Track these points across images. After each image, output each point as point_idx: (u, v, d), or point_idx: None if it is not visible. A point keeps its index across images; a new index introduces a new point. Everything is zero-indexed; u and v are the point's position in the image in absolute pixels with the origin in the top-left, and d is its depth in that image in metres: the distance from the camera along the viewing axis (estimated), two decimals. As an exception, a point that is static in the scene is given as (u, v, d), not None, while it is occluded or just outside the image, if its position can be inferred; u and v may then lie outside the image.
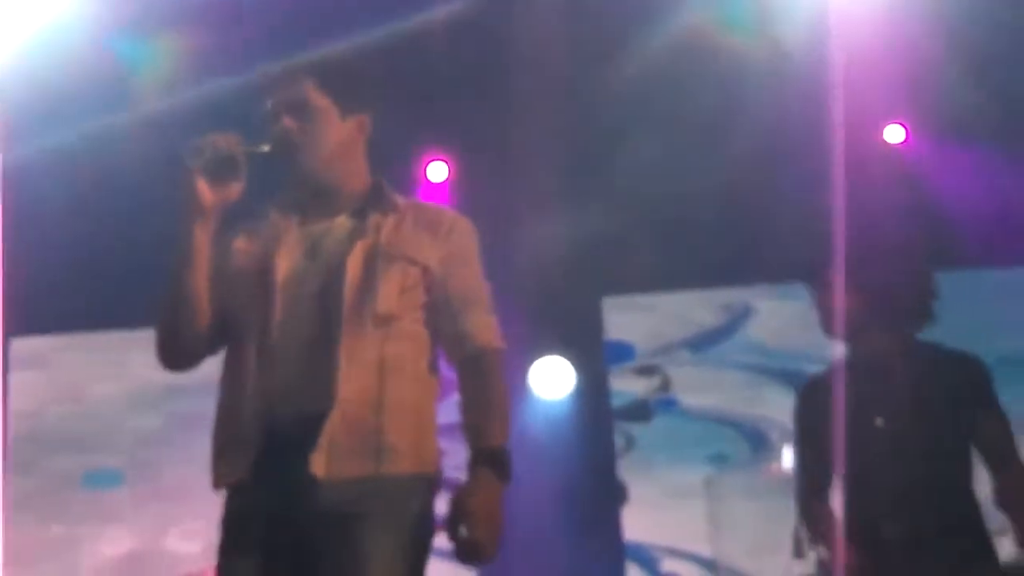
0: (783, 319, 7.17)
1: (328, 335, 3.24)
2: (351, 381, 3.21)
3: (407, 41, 6.20)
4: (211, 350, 3.40)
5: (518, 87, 6.68)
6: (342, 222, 3.40)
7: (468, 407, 3.32)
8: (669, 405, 7.34)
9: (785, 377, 6.99)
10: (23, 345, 7.45)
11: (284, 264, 3.32)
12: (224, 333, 3.37)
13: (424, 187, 7.20)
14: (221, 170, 3.29)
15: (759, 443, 7.14)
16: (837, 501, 4.17)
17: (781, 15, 6.03)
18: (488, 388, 3.32)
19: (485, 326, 3.38)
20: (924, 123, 7.06)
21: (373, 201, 3.43)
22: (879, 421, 4.08)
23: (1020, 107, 6.68)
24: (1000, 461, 4.15)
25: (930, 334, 4.22)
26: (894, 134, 7.15)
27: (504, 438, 3.27)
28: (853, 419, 4.03)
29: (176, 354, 3.40)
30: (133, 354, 7.29)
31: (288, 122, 3.37)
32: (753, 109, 6.35)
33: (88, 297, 7.07)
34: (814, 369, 4.44)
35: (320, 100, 3.39)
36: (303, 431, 3.18)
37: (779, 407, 6.97)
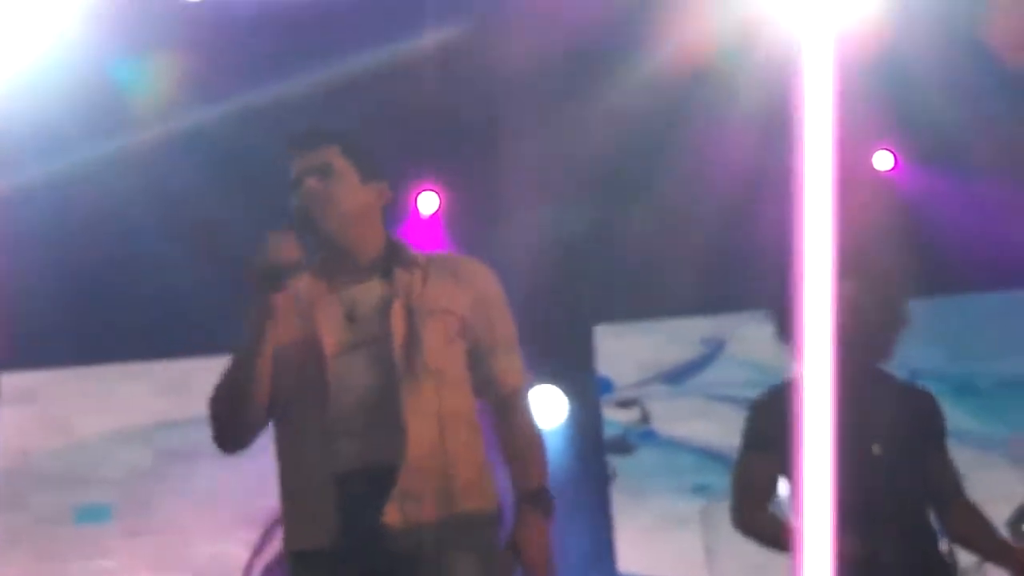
0: (767, 347, 7.18)
1: (388, 396, 3.41)
2: (417, 436, 3.40)
3: (396, 71, 6.22)
4: (265, 425, 3.57)
5: (507, 118, 6.70)
6: (373, 284, 3.54)
7: (506, 449, 3.56)
8: (650, 436, 7.33)
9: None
10: (10, 380, 7.41)
11: (329, 337, 3.47)
12: (273, 407, 3.53)
13: (414, 218, 7.20)
14: (285, 274, 3.44)
15: None
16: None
17: (768, 42, 6.04)
18: (522, 429, 3.58)
19: (513, 368, 3.63)
20: (913, 149, 7.07)
21: (394, 258, 3.58)
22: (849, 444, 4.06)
23: (1005, 131, 6.70)
24: (951, 495, 4.20)
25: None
26: (883, 161, 7.16)
27: (543, 477, 3.53)
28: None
29: (238, 438, 3.56)
30: (122, 387, 7.28)
31: (312, 183, 3.52)
32: (741, 135, 6.36)
33: (76, 330, 7.05)
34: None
35: (342, 164, 3.55)
36: (375, 488, 3.37)
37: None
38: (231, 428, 3.53)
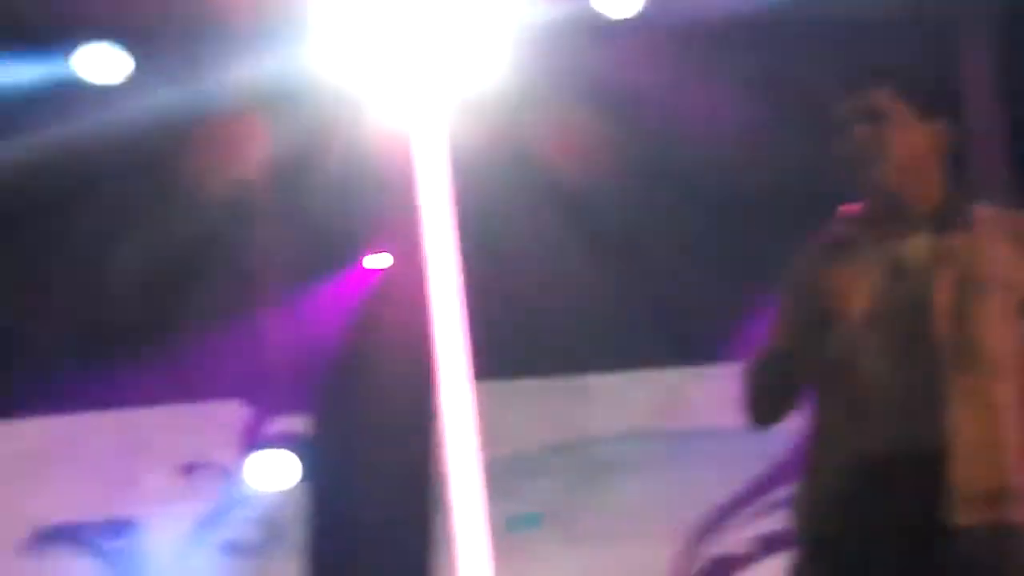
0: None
1: (927, 374, 3.10)
2: (967, 425, 3.07)
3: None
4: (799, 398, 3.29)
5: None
6: (920, 240, 3.22)
7: None
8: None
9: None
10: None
11: (863, 285, 3.17)
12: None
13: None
14: None
15: None
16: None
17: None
18: None
19: None
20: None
21: (952, 212, 3.26)
22: None
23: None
24: None
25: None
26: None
27: None
28: None
29: (775, 412, 3.28)
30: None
31: (861, 130, 3.25)
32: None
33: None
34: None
35: (895, 107, 3.25)
36: (914, 479, 3.08)
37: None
38: (768, 400, 3.26)
